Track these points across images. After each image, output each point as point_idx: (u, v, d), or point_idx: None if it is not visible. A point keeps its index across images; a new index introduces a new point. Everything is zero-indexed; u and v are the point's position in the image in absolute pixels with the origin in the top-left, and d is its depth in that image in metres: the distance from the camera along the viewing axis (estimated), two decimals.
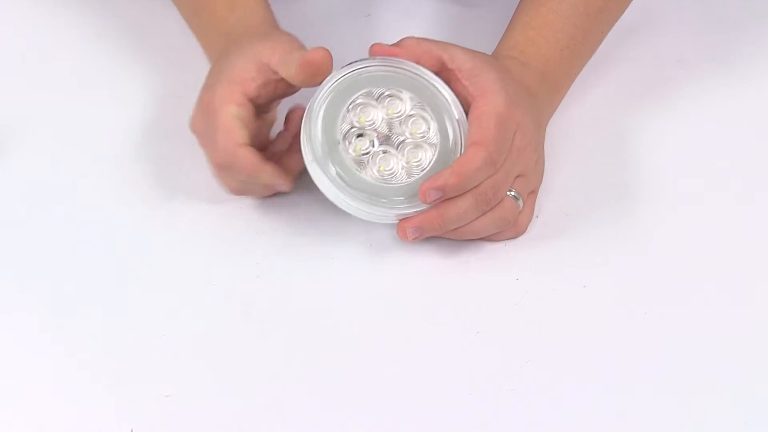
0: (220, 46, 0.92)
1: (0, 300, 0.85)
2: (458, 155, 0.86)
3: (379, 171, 0.86)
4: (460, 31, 1.06)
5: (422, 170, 0.86)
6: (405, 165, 0.86)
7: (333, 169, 0.85)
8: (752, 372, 0.81)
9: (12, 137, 0.96)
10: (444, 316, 0.84)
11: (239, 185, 0.89)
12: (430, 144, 0.86)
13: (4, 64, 1.03)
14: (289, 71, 0.86)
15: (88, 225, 0.90)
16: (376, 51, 0.88)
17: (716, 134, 0.97)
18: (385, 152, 0.86)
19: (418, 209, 0.85)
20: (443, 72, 0.88)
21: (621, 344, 0.82)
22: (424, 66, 0.88)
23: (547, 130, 0.93)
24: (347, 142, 0.86)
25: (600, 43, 0.96)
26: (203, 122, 0.88)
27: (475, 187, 0.84)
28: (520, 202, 0.87)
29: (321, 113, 0.86)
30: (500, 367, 0.81)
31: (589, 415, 0.78)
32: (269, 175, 0.86)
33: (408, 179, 0.86)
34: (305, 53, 0.85)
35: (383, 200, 0.85)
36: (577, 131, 0.96)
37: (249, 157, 0.85)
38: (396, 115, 0.87)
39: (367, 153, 0.86)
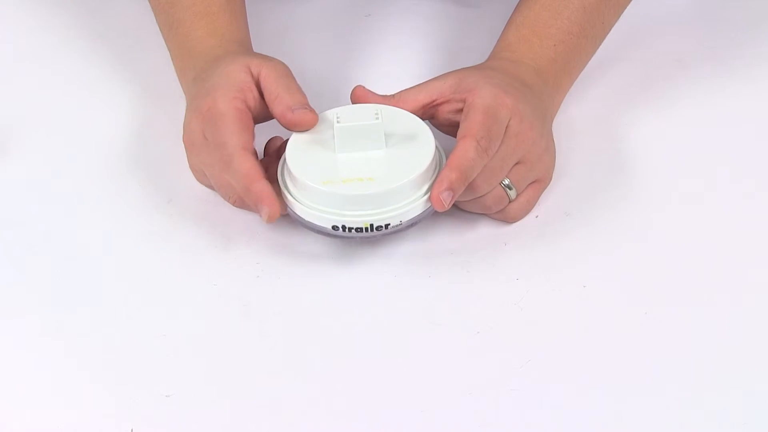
0: (197, 67, 0.91)
1: (0, 300, 0.85)
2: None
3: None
4: (460, 31, 1.06)
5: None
6: None
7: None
8: (752, 372, 0.81)
9: (12, 137, 0.96)
10: (444, 316, 0.84)
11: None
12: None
13: (4, 64, 1.03)
14: (271, 103, 0.86)
15: (88, 225, 0.90)
16: (359, 96, 0.88)
17: (716, 134, 0.97)
18: None
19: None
20: (431, 109, 0.88)
21: (621, 344, 0.82)
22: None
23: None
24: None
25: (605, 35, 0.96)
26: (203, 129, 0.86)
27: (472, 135, 0.83)
28: (512, 192, 0.86)
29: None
30: (501, 367, 0.80)
31: (589, 414, 0.78)
32: (260, 190, 0.83)
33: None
34: (294, 112, 0.85)
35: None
36: (577, 131, 0.96)
37: (249, 164, 0.84)
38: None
39: None
